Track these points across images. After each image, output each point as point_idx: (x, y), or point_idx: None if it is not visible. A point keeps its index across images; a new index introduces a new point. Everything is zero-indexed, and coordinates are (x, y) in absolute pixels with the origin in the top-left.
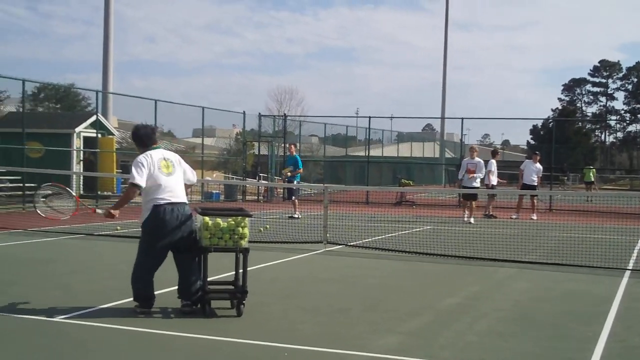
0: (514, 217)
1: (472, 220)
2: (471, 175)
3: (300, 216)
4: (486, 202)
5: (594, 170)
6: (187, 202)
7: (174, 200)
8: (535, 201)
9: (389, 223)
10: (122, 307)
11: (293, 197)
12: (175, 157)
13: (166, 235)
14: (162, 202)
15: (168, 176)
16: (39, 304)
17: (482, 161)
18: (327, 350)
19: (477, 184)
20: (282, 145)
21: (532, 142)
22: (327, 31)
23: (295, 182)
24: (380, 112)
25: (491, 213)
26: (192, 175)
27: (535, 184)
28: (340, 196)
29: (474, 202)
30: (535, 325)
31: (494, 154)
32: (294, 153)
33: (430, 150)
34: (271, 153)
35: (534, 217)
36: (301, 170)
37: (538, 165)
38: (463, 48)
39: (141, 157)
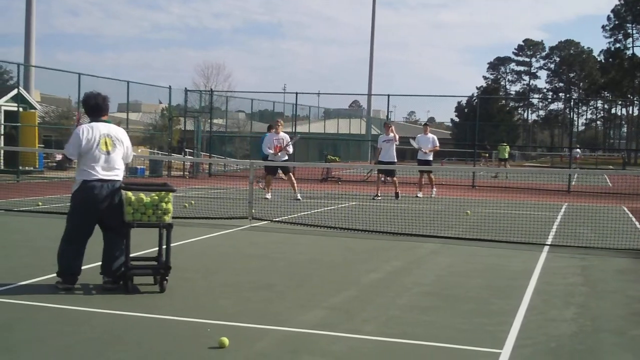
0: (419, 195)
1: (268, 195)
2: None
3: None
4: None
5: (508, 147)
6: (120, 179)
7: (105, 177)
8: (432, 176)
9: (315, 199)
10: (42, 283)
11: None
12: (119, 135)
13: (91, 211)
14: (92, 178)
15: (106, 154)
16: None
17: (287, 136)
18: (251, 326)
19: (285, 158)
20: (209, 120)
21: (457, 119)
22: (253, 6)
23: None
24: (307, 88)
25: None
26: (131, 155)
27: (430, 158)
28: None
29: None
30: (456, 299)
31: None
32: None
33: (357, 127)
34: (197, 128)
35: (434, 193)
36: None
37: (430, 135)
38: (390, 25)
39: (80, 129)
